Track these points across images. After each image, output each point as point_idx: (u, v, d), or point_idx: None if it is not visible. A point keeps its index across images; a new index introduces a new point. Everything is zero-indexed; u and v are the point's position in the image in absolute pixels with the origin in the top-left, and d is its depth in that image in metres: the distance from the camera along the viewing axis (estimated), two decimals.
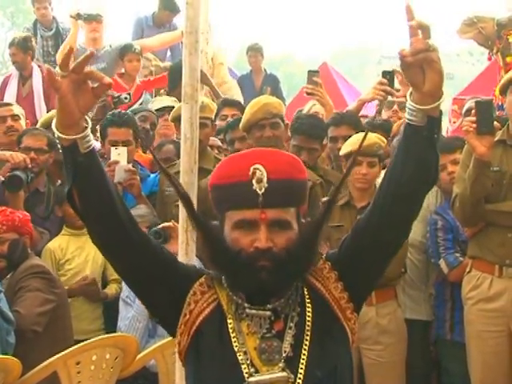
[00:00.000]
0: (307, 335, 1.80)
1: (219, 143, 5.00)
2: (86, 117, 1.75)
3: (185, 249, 2.99)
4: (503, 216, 3.61)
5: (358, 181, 3.83)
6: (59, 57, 6.93)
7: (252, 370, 1.77)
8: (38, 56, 7.09)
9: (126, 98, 5.61)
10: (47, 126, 4.63)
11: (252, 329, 1.80)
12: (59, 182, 4.59)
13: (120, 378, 3.67)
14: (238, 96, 6.72)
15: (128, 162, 4.31)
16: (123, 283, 3.73)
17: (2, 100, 6.24)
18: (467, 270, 3.77)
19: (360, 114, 5.04)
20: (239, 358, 1.78)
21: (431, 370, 4.25)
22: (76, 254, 4.27)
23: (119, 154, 4.28)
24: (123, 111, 4.82)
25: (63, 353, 3.43)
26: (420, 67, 1.68)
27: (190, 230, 2.93)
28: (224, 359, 1.79)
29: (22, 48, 6.50)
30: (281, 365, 1.77)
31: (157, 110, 5.55)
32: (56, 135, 1.74)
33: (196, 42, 3.02)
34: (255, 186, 1.77)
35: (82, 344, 3.54)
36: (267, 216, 1.76)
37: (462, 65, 23.19)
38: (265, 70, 8.70)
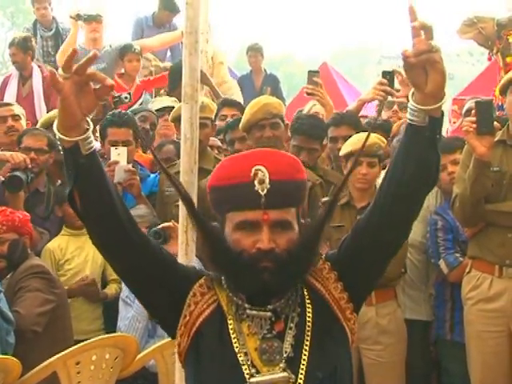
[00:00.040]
0: (307, 336, 1.80)
1: (219, 143, 4.99)
2: (87, 118, 1.75)
3: (184, 249, 2.99)
4: (503, 216, 3.61)
5: (358, 181, 3.83)
6: (60, 58, 6.92)
7: (253, 370, 1.76)
8: (37, 56, 7.08)
9: (126, 98, 5.61)
10: (47, 126, 4.63)
11: (253, 329, 1.80)
12: (59, 182, 4.59)
13: (120, 378, 3.67)
14: (237, 96, 6.71)
15: (128, 162, 4.30)
16: (123, 283, 3.72)
17: (1, 100, 6.23)
18: (467, 270, 3.77)
19: (360, 114, 5.04)
20: (240, 358, 1.77)
21: (431, 370, 4.25)
22: (76, 254, 4.27)
23: (119, 154, 4.28)
24: (123, 111, 4.81)
25: (63, 353, 3.43)
26: (423, 68, 1.67)
27: (189, 231, 2.93)
28: (224, 360, 1.79)
29: (22, 48, 6.49)
30: (282, 365, 1.77)
31: (157, 110, 5.54)
32: (57, 137, 1.74)
33: (196, 42, 3.02)
34: (257, 186, 1.76)
35: (81, 344, 3.54)
36: (269, 217, 1.76)
37: (462, 65, 23.19)
38: (265, 70, 8.68)
